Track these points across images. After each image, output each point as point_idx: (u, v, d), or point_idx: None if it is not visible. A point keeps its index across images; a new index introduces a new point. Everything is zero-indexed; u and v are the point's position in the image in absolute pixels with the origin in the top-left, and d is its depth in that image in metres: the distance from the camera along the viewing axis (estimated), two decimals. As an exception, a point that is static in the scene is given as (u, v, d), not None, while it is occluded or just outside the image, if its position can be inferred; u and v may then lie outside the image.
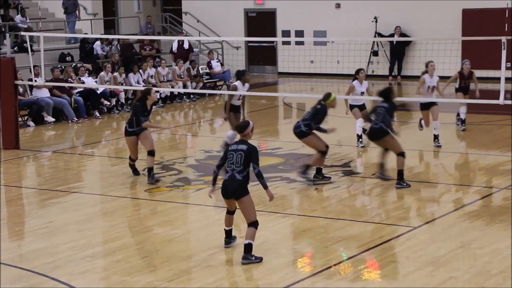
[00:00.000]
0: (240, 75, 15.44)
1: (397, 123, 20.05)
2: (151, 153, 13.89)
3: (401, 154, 13.17)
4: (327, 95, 13.62)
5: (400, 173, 13.18)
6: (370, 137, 13.67)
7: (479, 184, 13.50)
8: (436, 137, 16.17)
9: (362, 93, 16.29)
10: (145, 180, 14.14)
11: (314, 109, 13.58)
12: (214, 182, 10.24)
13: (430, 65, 16.24)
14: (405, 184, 13.15)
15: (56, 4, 30.02)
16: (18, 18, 26.53)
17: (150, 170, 13.90)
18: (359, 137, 16.53)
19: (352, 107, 16.44)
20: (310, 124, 13.47)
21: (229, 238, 10.38)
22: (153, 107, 23.02)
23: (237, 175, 9.86)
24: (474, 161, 15.30)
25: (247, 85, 15.52)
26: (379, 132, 13.32)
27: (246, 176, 9.91)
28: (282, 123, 21.29)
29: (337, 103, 13.74)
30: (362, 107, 16.42)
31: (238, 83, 15.34)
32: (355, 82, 16.29)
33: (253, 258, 9.78)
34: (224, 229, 10.36)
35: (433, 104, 16.15)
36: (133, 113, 14.03)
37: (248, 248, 9.76)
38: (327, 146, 13.59)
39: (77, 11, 27.67)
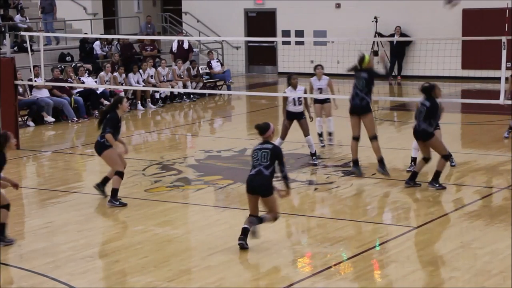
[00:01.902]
0: (288, 81, 14.97)
1: (397, 123, 20.06)
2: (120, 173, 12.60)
3: (444, 157, 13.00)
4: (362, 59, 13.57)
5: (437, 174, 13.04)
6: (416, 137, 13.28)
7: (479, 184, 13.50)
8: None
9: (320, 89, 16.31)
10: (145, 180, 14.14)
11: (362, 79, 13.44)
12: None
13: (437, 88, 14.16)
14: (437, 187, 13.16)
15: (56, 4, 30.03)
16: (18, 18, 26.54)
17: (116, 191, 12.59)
18: (320, 135, 16.64)
19: (315, 101, 16.56)
20: (370, 92, 13.41)
21: (246, 235, 10.13)
22: (153, 107, 23.16)
23: (264, 170, 10.01)
24: (474, 161, 15.29)
25: (300, 88, 14.96)
26: (423, 134, 12.97)
27: (272, 172, 10.04)
28: (282, 123, 21.26)
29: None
30: (323, 102, 16.53)
31: (288, 89, 14.96)
32: (313, 79, 16.38)
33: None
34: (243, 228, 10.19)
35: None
36: (105, 125, 12.55)
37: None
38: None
39: (53, 11, 27.44)
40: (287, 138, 15.67)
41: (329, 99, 16.60)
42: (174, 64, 25.33)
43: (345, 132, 16.89)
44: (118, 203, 12.46)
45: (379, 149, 13.65)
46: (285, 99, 14.97)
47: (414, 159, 14.28)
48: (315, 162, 15.11)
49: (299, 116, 14.98)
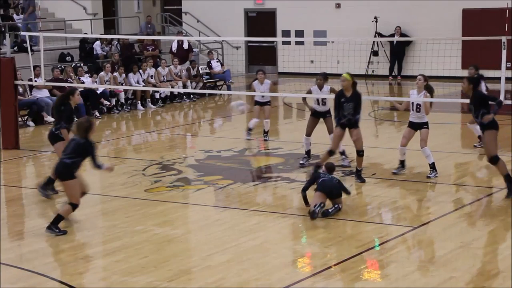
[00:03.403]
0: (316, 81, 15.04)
1: (397, 123, 20.06)
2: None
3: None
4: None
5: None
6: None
7: (479, 184, 13.49)
8: (431, 166, 13.94)
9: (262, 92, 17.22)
10: (145, 180, 14.14)
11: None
12: (306, 201, 11.96)
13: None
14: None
15: (56, 4, 30.04)
16: (16, 17, 26.53)
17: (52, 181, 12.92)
18: (249, 129, 17.47)
19: (255, 103, 17.47)
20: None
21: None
22: (153, 106, 23.15)
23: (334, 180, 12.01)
24: (474, 161, 15.29)
25: (326, 88, 14.87)
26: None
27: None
28: (282, 123, 21.28)
29: (344, 80, 13.47)
30: (263, 104, 17.35)
31: (313, 88, 14.94)
32: (255, 83, 17.27)
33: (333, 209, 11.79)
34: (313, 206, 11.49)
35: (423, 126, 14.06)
36: (60, 117, 13.06)
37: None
38: (333, 151, 13.63)
39: (32, 12, 26.85)
40: (287, 138, 15.71)
41: (269, 101, 17.44)
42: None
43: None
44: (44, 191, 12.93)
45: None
46: (307, 97, 15.09)
47: (402, 162, 14.24)
48: (345, 163, 14.88)
49: (324, 115, 15.01)
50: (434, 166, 13.90)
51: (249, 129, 17.56)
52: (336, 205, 11.82)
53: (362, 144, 13.56)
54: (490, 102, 12.61)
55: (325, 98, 14.83)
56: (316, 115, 14.99)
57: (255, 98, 17.52)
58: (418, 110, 13.91)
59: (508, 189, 12.44)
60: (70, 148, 11.06)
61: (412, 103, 13.94)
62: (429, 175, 13.82)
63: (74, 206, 11.16)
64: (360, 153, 13.59)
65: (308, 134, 14.96)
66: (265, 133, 17.59)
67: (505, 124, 17.80)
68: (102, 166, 11.27)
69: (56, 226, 11.04)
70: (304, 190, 11.92)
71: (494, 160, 12.42)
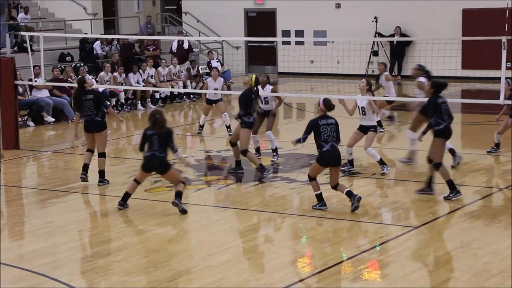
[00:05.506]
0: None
1: (397, 123, 20.05)
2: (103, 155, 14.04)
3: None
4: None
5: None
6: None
7: (479, 184, 13.49)
8: (380, 162, 14.07)
9: (216, 89, 18.19)
10: (145, 180, 14.12)
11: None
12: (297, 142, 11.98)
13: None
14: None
15: (56, 4, 30.04)
16: (20, 16, 26.47)
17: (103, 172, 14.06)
18: (201, 126, 18.70)
19: (207, 101, 18.46)
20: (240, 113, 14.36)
21: (322, 200, 11.94)
22: (153, 107, 23.15)
23: (335, 145, 11.58)
24: (474, 161, 15.29)
25: (268, 87, 15.52)
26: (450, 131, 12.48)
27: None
28: (282, 123, 21.26)
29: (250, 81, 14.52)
30: (216, 102, 18.32)
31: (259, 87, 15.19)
32: (209, 80, 18.31)
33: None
34: (316, 194, 11.92)
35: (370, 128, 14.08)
36: (99, 104, 13.85)
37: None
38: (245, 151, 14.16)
39: (4, 13, 25.91)
40: (287, 138, 15.69)
41: (220, 99, 18.46)
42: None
43: (345, 132, 16.83)
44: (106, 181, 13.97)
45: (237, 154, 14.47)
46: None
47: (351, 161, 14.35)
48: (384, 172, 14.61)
49: (268, 113, 15.51)
50: (383, 161, 14.08)
51: (200, 126, 18.61)
52: (356, 197, 11.74)
53: (241, 145, 14.13)
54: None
55: (267, 97, 15.42)
56: (261, 114, 15.46)
57: (207, 96, 18.44)
58: (363, 113, 13.93)
59: (451, 190, 12.39)
60: (157, 144, 12.04)
61: (358, 107, 13.96)
62: (382, 171, 13.98)
63: (183, 182, 12.19)
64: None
65: (255, 132, 15.17)
66: (228, 128, 18.24)
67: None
68: (178, 152, 12.24)
69: (180, 201, 11.93)
70: (301, 140, 11.85)
71: (436, 166, 12.36)
